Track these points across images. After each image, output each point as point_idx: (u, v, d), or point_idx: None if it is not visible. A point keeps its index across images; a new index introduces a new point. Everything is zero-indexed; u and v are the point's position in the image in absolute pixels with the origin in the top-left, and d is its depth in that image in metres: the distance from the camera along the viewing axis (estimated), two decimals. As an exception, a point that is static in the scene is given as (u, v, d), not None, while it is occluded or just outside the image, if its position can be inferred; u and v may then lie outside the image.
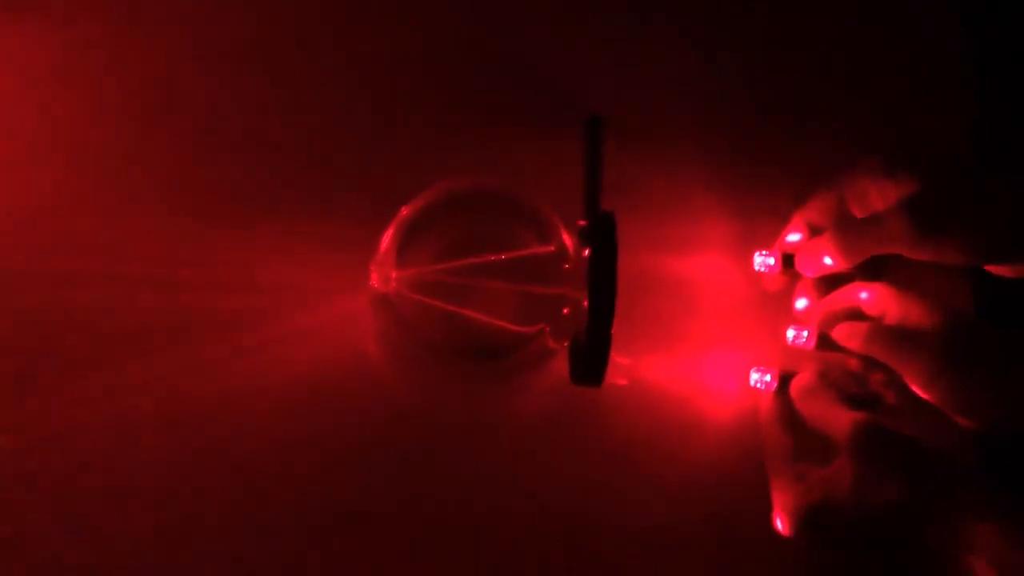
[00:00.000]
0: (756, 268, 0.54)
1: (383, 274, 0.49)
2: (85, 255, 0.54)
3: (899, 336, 0.47)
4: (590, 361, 0.45)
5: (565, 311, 0.50)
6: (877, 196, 0.48)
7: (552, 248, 0.49)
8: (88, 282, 0.54)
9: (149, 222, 0.55)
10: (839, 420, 0.47)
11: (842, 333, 0.50)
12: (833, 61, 0.60)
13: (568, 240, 0.51)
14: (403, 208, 0.50)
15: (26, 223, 0.55)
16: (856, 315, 0.51)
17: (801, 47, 0.60)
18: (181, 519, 0.53)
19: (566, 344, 0.50)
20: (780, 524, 0.48)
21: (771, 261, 0.54)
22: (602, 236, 0.44)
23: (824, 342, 0.52)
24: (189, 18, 0.57)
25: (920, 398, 0.46)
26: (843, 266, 0.50)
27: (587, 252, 0.45)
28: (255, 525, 0.53)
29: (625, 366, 0.53)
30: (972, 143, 0.58)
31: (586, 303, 0.44)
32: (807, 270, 0.52)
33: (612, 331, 0.45)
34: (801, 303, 0.54)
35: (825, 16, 0.60)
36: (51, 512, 0.52)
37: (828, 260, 0.50)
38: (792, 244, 0.54)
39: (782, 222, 0.54)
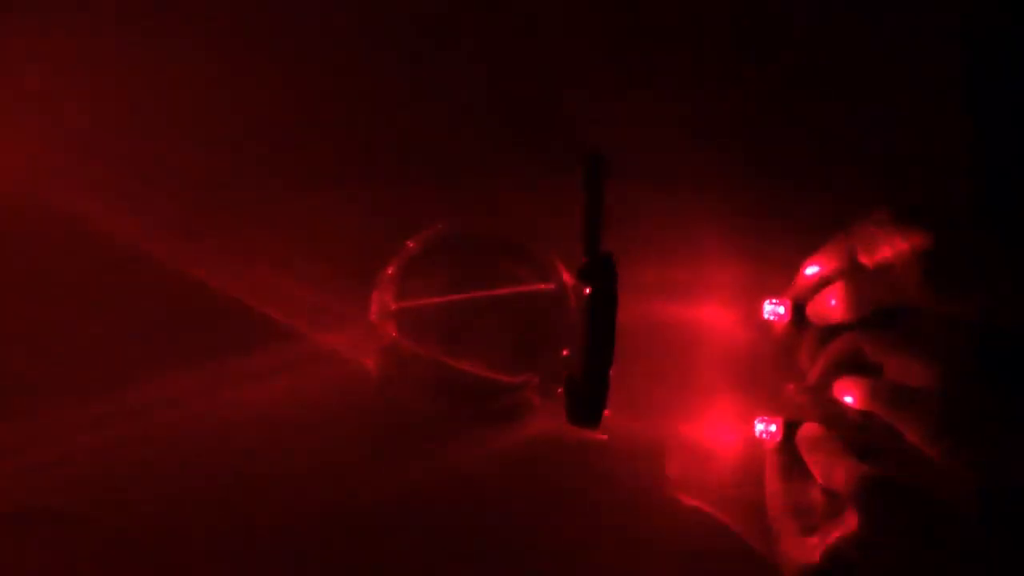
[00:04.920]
0: (765, 316, 0.54)
1: (382, 307, 0.50)
2: (87, 272, 0.55)
3: (898, 393, 0.46)
4: (587, 402, 0.45)
5: (564, 352, 0.50)
6: (887, 247, 0.48)
7: (552, 286, 0.49)
8: (86, 301, 0.55)
9: (152, 245, 0.56)
10: (847, 472, 0.46)
11: (841, 388, 0.50)
12: (847, 108, 0.60)
13: (568, 280, 0.51)
14: (405, 244, 0.51)
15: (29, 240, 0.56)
16: (857, 366, 0.50)
17: (816, 93, 0.60)
18: (173, 543, 0.53)
19: (559, 391, 0.49)
20: None
21: (781, 310, 0.53)
22: (601, 275, 0.44)
23: (827, 392, 0.51)
24: (197, 51, 0.58)
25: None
26: (853, 317, 0.49)
27: (587, 291, 0.45)
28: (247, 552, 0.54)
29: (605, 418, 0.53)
30: (973, 195, 0.58)
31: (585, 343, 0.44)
32: (818, 320, 0.52)
33: (610, 373, 0.45)
34: (808, 353, 0.53)
35: (841, 60, 0.60)
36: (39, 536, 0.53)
37: (838, 310, 0.49)
38: (803, 293, 0.53)
39: (791, 270, 0.54)
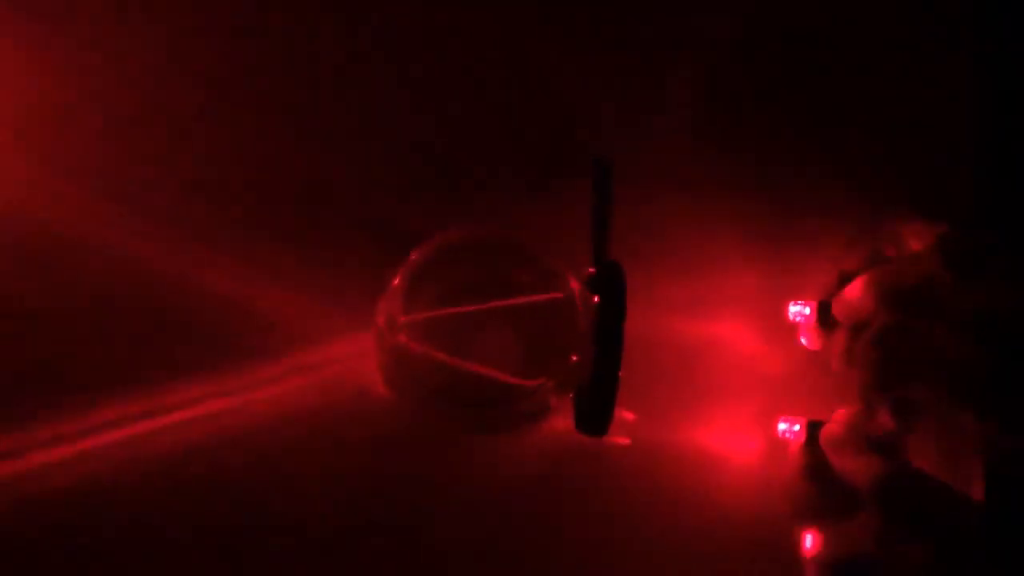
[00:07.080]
0: (790, 318, 0.53)
1: (389, 315, 0.50)
2: (88, 275, 0.56)
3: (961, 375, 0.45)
4: (594, 410, 0.46)
5: (573, 359, 0.50)
6: (914, 240, 0.47)
7: (561, 295, 0.49)
8: (88, 306, 0.55)
9: (155, 250, 0.56)
10: (867, 471, 0.46)
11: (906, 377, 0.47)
12: (857, 115, 0.59)
13: (577, 288, 0.51)
14: (413, 252, 0.51)
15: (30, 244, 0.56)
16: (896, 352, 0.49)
17: (834, 95, 0.59)
18: (174, 548, 0.54)
19: (570, 396, 0.50)
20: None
21: (807, 311, 0.52)
22: (608, 284, 0.44)
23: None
24: (200, 55, 0.59)
25: (946, 448, 0.45)
26: (881, 306, 0.48)
27: (594, 300, 0.45)
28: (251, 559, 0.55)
29: (629, 422, 0.53)
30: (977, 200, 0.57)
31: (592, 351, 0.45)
32: (845, 316, 0.51)
33: (619, 382, 0.45)
34: (839, 351, 0.52)
35: (849, 66, 0.59)
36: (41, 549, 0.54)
37: (866, 301, 0.48)
38: (828, 291, 0.52)
39: (803, 277, 0.54)
